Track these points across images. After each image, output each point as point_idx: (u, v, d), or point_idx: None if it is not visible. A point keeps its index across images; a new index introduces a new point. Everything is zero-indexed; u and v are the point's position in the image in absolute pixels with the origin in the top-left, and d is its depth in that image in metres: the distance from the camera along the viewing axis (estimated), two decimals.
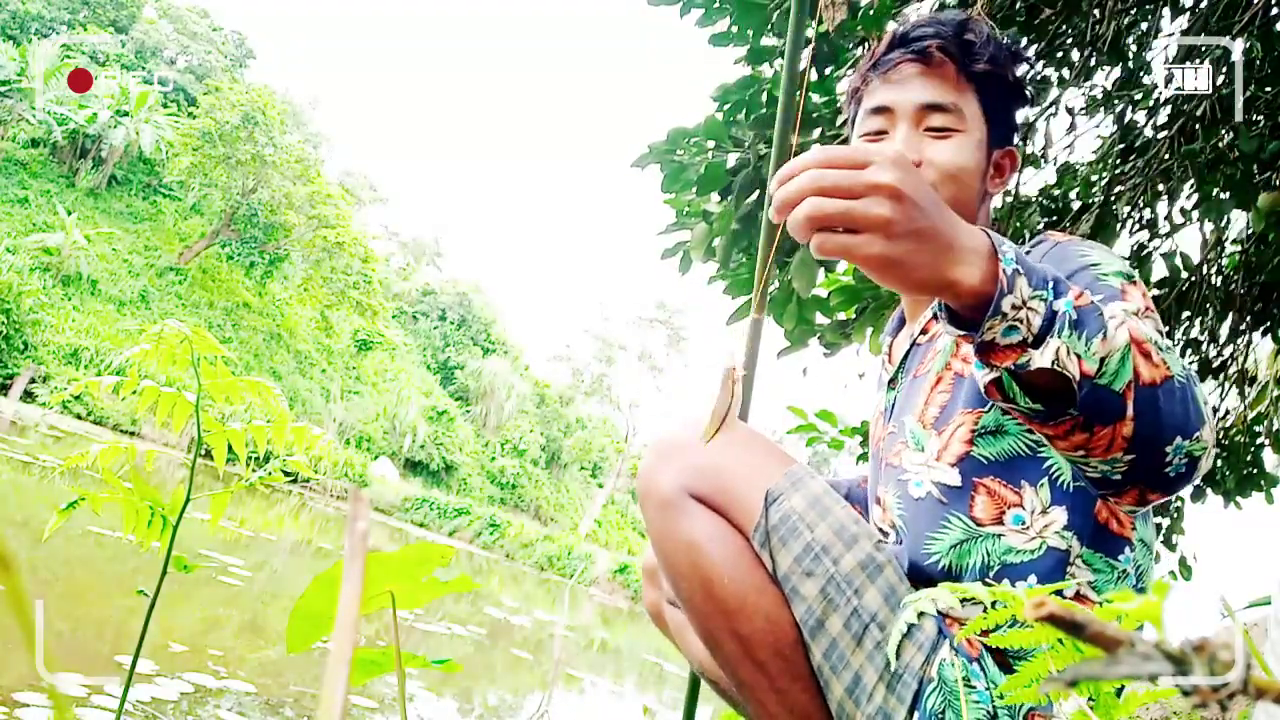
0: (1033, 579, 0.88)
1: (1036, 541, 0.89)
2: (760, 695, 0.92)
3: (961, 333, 0.68)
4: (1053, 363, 0.65)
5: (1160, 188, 2.73)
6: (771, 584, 0.91)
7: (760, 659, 0.90)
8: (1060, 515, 0.89)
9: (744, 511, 0.93)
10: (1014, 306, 0.64)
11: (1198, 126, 2.39)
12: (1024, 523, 0.89)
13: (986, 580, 0.90)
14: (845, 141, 1.13)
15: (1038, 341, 0.65)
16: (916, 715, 0.83)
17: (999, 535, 0.90)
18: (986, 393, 0.73)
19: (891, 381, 1.11)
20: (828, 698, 0.89)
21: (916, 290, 0.65)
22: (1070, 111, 2.83)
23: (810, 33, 2.61)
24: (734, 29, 2.45)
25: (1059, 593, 0.89)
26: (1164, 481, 0.73)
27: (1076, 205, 2.77)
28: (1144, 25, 2.81)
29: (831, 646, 0.87)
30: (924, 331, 1.08)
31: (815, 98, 2.47)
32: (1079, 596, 0.89)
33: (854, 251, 0.63)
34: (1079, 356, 0.66)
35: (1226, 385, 3.12)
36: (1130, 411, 0.68)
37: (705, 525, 0.93)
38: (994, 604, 0.57)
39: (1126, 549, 0.90)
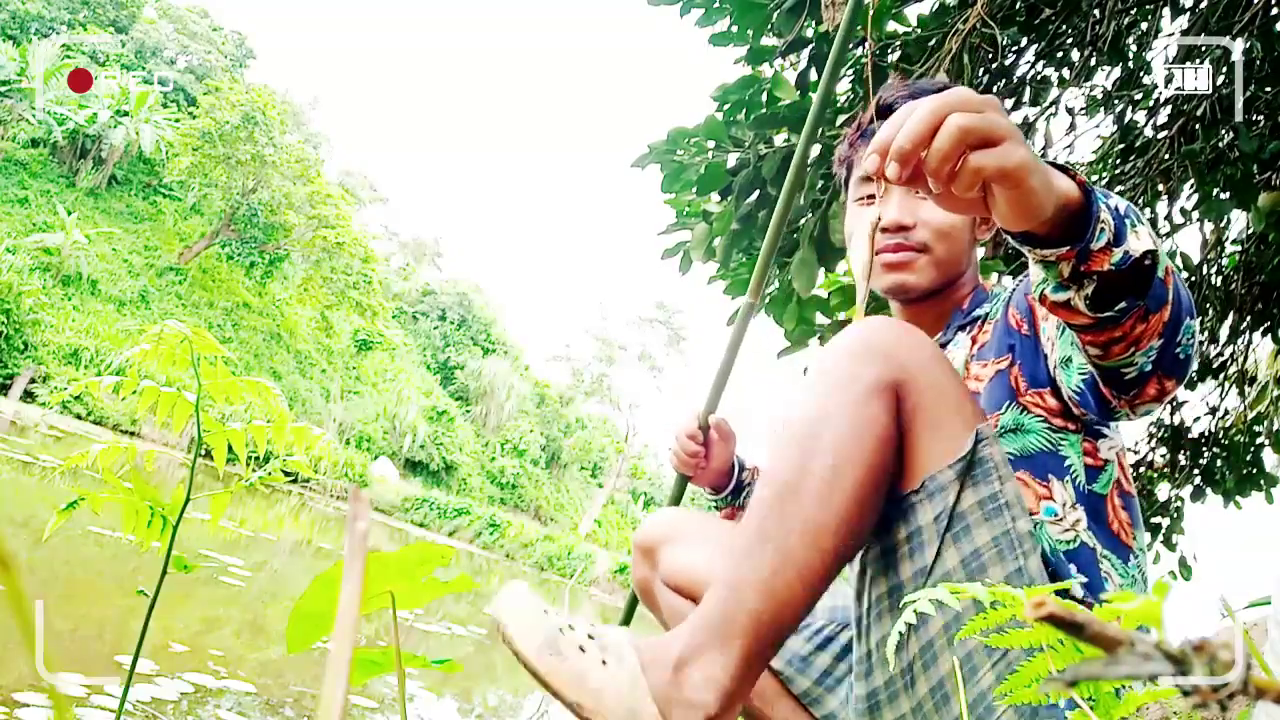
0: (1073, 568, 0.90)
1: (1071, 534, 0.91)
2: (773, 571, 0.80)
3: (1064, 249, 0.70)
4: (1151, 245, 0.70)
5: (1160, 188, 2.73)
6: (872, 514, 0.84)
7: (804, 557, 0.80)
8: (1082, 515, 0.92)
9: (940, 429, 0.85)
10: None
11: (1198, 126, 2.39)
12: (1056, 514, 0.92)
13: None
14: (849, 161, 1.17)
15: (1118, 239, 0.69)
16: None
17: (1039, 524, 0.92)
18: (1054, 311, 0.76)
19: None
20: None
21: (1036, 213, 0.67)
22: (1070, 111, 2.83)
23: (809, 32, 2.61)
24: (734, 29, 2.45)
25: (1078, 598, 0.89)
26: (1177, 365, 0.78)
27: None
28: (1144, 25, 2.81)
29: None
30: None
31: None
32: None
33: (1009, 158, 0.64)
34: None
35: (1226, 385, 3.12)
36: (1171, 295, 0.73)
37: (883, 421, 0.83)
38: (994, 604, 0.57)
39: (1131, 557, 0.93)
